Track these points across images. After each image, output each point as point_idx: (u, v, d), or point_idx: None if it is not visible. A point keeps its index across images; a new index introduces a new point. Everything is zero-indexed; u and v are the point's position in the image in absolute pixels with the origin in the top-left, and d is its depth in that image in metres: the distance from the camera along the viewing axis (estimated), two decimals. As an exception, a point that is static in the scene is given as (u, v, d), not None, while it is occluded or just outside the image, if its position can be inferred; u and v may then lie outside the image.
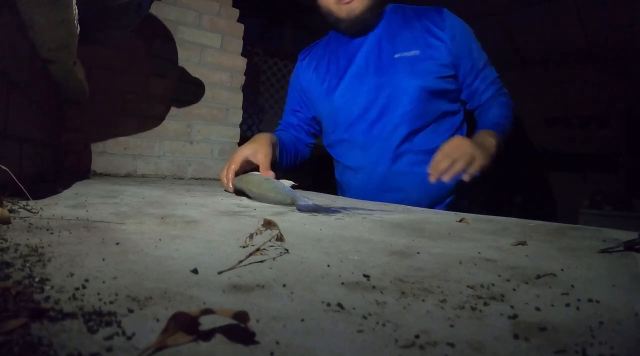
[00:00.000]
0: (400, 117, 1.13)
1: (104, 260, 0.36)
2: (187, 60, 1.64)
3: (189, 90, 1.65)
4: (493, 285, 0.34)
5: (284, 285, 0.32)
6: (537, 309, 0.29)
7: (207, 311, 0.23)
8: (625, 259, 0.46)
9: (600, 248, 0.49)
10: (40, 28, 0.70)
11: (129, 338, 0.21)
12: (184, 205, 0.75)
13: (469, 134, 1.14)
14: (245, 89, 1.82)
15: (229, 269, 0.35)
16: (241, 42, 1.78)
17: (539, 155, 4.53)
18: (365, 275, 0.36)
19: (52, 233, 0.44)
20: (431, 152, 1.02)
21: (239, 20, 1.77)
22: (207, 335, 0.22)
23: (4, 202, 0.50)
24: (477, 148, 0.97)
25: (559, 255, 0.46)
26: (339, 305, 0.28)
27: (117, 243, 0.42)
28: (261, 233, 0.45)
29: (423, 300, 0.30)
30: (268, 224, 0.45)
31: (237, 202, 0.86)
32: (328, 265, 0.39)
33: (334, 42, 1.28)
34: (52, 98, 1.14)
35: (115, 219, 0.56)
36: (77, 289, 0.28)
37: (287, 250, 0.44)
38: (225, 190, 1.07)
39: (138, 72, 1.53)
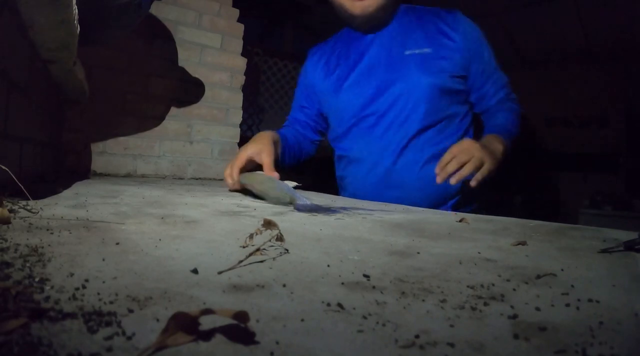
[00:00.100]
0: (410, 113, 1.13)
1: (104, 260, 0.36)
2: (187, 60, 1.63)
3: (189, 90, 1.65)
4: (493, 285, 0.34)
5: (284, 285, 0.32)
6: (537, 309, 0.29)
7: (207, 311, 0.23)
8: (625, 259, 0.46)
9: (600, 248, 0.49)
10: (40, 28, 0.70)
11: (129, 338, 0.21)
12: (184, 205, 0.75)
13: (476, 138, 1.14)
14: (245, 89, 1.82)
15: (229, 269, 0.35)
16: (241, 42, 1.78)
17: (539, 155, 4.52)
18: (365, 275, 0.36)
19: (52, 233, 0.44)
20: (437, 154, 1.02)
21: (239, 20, 1.77)
22: (207, 335, 0.22)
23: (4, 202, 0.50)
24: (486, 153, 0.97)
25: (559, 255, 0.46)
26: (339, 305, 0.28)
27: (117, 243, 0.42)
28: (261, 233, 0.45)
29: (423, 300, 0.30)
30: (268, 224, 0.45)
31: (237, 202, 0.86)
32: (328, 265, 0.39)
33: (345, 38, 1.29)
34: (52, 98, 1.14)
35: (115, 219, 0.56)
36: (77, 289, 0.28)
37: (287, 250, 0.44)
38: (230, 190, 1.08)
39: (138, 72, 1.52)
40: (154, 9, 1.52)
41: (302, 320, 0.25)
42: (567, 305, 0.30)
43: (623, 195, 3.84)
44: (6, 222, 0.47)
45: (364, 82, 1.19)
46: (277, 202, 0.86)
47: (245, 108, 1.85)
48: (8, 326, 0.21)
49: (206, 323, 0.23)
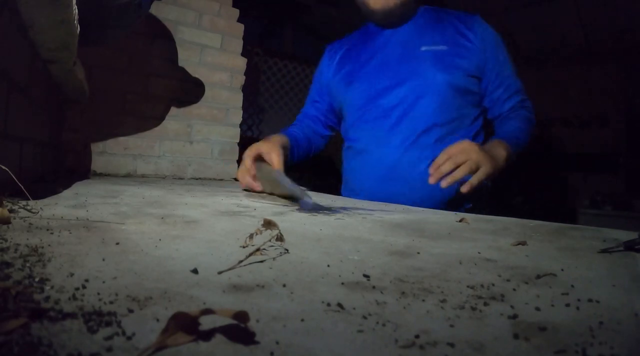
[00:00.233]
0: (420, 108, 1.13)
1: (104, 260, 0.36)
2: (187, 60, 1.63)
3: (189, 90, 1.65)
4: (493, 285, 0.34)
5: (284, 285, 0.32)
6: (537, 309, 0.29)
7: (207, 311, 0.23)
8: (625, 259, 0.46)
9: (600, 248, 0.49)
10: (40, 28, 0.70)
11: (129, 338, 0.21)
12: (184, 205, 0.75)
13: None
14: (245, 89, 1.82)
15: (229, 269, 0.35)
16: (241, 42, 1.78)
17: (540, 155, 4.52)
18: (365, 275, 0.36)
19: (52, 233, 0.44)
20: None
21: (239, 20, 1.77)
22: (207, 335, 0.22)
23: (4, 202, 0.50)
24: (485, 156, 0.94)
25: (559, 255, 0.46)
26: (339, 305, 0.28)
27: (117, 243, 0.42)
28: (261, 233, 0.45)
29: (423, 300, 0.30)
30: (268, 224, 0.45)
31: (237, 202, 0.86)
32: (328, 265, 0.39)
33: (363, 33, 1.32)
34: (52, 98, 1.14)
35: (115, 219, 0.56)
36: (77, 289, 0.28)
37: (287, 250, 0.44)
38: (243, 189, 1.12)
39: (138, 72, 1.53)
40: (154, 9, 1.52)
41: (302, 320, 0.25)
42: (567, 305, 0.30)
43: (623, 195, 3.83)
44: (6, 222, 0.47)
45: (376, 74, 1.21)
46: (292, 193, 0.88)
47: (245, 108, 1.85)
48: (8, 326, 0.21)
49: (206, 323, 0.23)
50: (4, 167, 0.58)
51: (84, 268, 0.33)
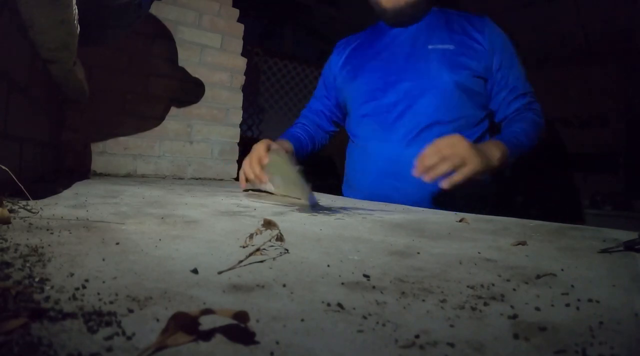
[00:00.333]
0: (423, 104, 1.14)
1: (104, 260, 0.36)
2: (187, 60, 1.63)
3: (189, 90, 1.65)
4: (493, 285, 0.34)
5: (284, 285, 0.32)
6: (537, 309, 0.29)
7: (207, 311, 0.23)
8: (625, 259, 0.46)
9: (600, 248, 0.49)
10: (40, 28, 0.70)
11: (129, 338, 0.21)
12: (184, 205, 0.75)
13: None
14: (245, 89, 1.82)
15: (229, 269, 0.35)
16: (241, 42, 1.78)
17: (539, 156, 4.52)
18: (365, 275, 0.36)
19: (52, 233, 0.44)
20: None
21: (239, 20, 1.77)
22: (207, 335, 0.22)
23: (4, 202, 0.50)
24: (474, 154, 0.90)
25: (559, 255, 0.46)
26: (339, 305, 0.28)
27: (117, 243, 0.42)
28: (261, 233, 0.45)
29: (423, 300, 0.30)
30: (268, 224, 0.45)
31: (237, 202, 0.86)
32: (328, 265, 0.39)
33: (373, 31, 1.33)
34: (52, 98, 1.14)
35: (115, 219, 0.56)
36: (77, 289, 0.28)
37: (287, 250, 0.44)
38: (243, 190, 1.11)
39: (138, 72, 1.52)
40: (154, 9, 1.52)
41: (302, 320, 0.25)
42: (567, 305, 0.30)
43: (623, 195, 3.83)
44: (6, 222, 0.47)
45: (382, 70, 1.21)
46: (302, 189, 0.89)
47: (245, 108, 1.85)
48: (8, 326, 0.21)
49: (206, 323, 0.23)
50: (4, 167, 0.57)
51: (84, 268, 0.33)
